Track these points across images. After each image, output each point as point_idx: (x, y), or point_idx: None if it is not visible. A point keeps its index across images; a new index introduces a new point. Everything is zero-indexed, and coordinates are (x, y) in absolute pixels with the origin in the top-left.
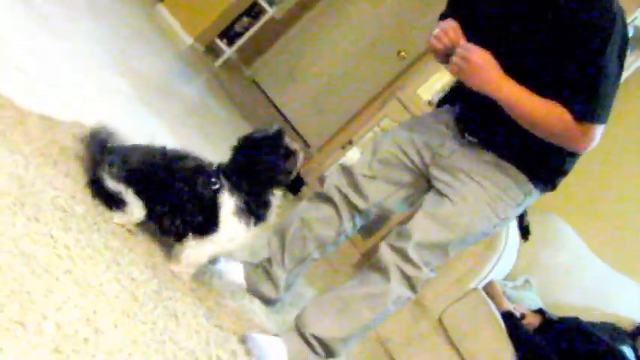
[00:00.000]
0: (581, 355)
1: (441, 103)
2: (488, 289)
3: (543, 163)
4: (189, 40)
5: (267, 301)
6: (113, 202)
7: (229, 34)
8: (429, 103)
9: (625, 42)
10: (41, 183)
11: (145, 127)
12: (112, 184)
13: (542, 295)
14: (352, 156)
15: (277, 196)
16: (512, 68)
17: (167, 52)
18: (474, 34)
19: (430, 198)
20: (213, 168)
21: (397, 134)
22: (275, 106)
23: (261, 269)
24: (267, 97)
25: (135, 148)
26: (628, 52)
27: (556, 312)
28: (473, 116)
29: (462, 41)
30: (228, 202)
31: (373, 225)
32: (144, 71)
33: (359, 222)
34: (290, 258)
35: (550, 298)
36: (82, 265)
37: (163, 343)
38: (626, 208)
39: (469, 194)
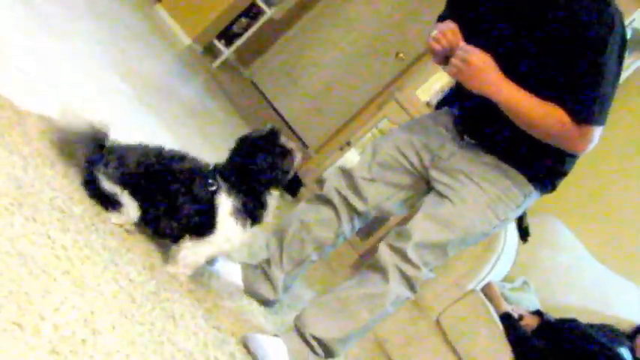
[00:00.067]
0: (579, 357)
1: (440, 105)
2: (487, 291)
3: (542, 165)
4: (187, 40)
5: (265, 302)
6: (109, 202)
7: (228, 35)
8: (428, 104)
9: (623, 44)
10: (39, 184)
11: (143, 127)
12: (108, 185)
13: (540, 297)
14: (350, 157)
15: (274, 197)
16: (511, 70)
17: (166, 53)
18: (472, 36)
19: (430, 199)
20: (210, 169)
21: (396, 136)
22: (273, 107)
23: (260, 270)
24: (266, 98)
25: (131, 149)
26: (626, 54)
27: (554, 313)
28: (472, 118)
29: (461, 43)
30: (225, 203)
31: (371, 226)
32: (143, 71)
33: (358, 224)
34: (288, 259)
35: (548, 299)
36: (79, 265)
37: (161, 345)
38: (625, 210)
39: (469, 195)
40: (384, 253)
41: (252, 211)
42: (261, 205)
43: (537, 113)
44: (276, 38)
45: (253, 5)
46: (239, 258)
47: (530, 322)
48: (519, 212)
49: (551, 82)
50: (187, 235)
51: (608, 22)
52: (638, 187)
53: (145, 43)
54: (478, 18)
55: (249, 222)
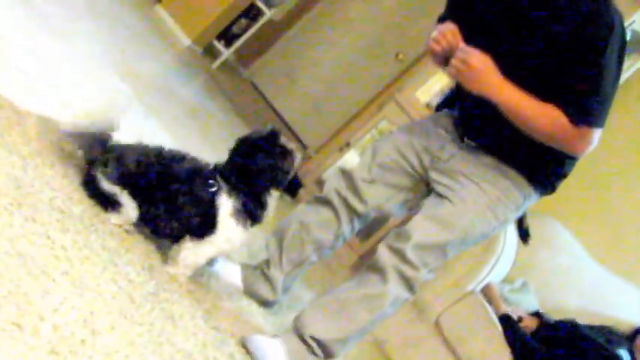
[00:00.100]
0: (578, 358)
1: (440, 107)
2: (486, 292)
3: (543, 166)
4: (187, 41)
5: (265, 303)
6: (108, 202)
7: (227, 36)
8: (427, 105)
9: (623, 46)
10: (39, 184)
11: (143, 128)
12: (107, 185)
13: (539, 298)
14: (350, 158)
15: (274, 197)
16: (511, 71)
17: (165, 53)
18: (472, 37)
19: (430, 201)
20: (210, 169)
21: (396, 138)
22: (273, 108)
23: (259, 271)
24: (265, 99)
25: (131, 148)
26: (626, 56)
27: (553, 315)
28: (472, 120)
29: (461, 44)
30: (226, 204)
31: (371, 227)
32: (143, 72)
33: (357, 225)
34: (288, 260)
35: (547, 301)
36: (79, 266)
37: (160, 345)
38: (624, 211)
39: (468, 196)
40: (383, 254)
41: (252, 212)
42: (261, 206)
43: (536, 115)
44: (276, 39)
45: (253, 6)
46: (238, 259)
47: (530, 324)
48: (519, 214)
49: (551, 83)
50: (188, 236)
51: (608, 23)
52: (638, 188)
53: (145, 44)
54: (478, 19)
55: (249, 222)
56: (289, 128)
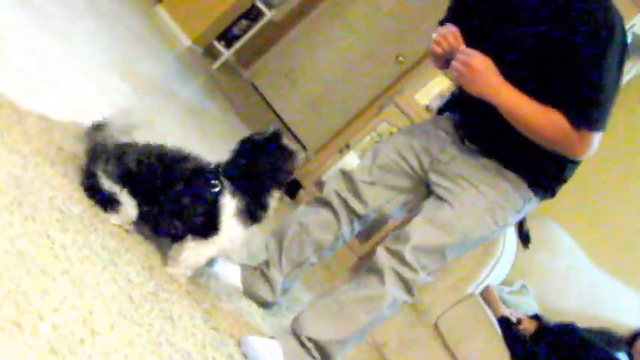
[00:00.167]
0: None
1: (441, 110)
2: (485, 295)
3: (543, 171)
4: (187, 41)
5: (264, 304)
6: (108, 201)
7: (227, 37)
8: (427, 108)
9: (624, 49)
10: (39, 183)
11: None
12: (107, 184)
13: (538, 301)
14: (349, 160)
15: (275, 198)
16: (511, 74)
17: (166, 54)
18: (474, 40)
19: (429, 203)
20: (212, 168)
21: (397, 140)
22: (272, 109)
23: (259, 272)
24: (265, 100)
25: (132, 147)
26: (626, 59)
27: (552, 318)
28: (473, 123)
29: (462, 46)
30: (229, 204)
31: (370, 229)
32: (143, 72)
33: (357, 227)
34: (287, 261)
35: (546, 303)
36: (79, 265)
37: (159, 345)
38: (624, 214)
39: (468, 199)
40: (382, 256)
41: (253, 212)
42: (263, 206)
43: (537, 118)
44: (276, 40)
45: (253, 7)
46: (238, 259)
47: (529, 326)
48: (519, 218)
49: (552, 87)
50: (189, 235)
51: (609, 26)
52: (638, 191)
53: (145, 44)
54: (479, 22)
55: (249, 222)
56: (289, 129)
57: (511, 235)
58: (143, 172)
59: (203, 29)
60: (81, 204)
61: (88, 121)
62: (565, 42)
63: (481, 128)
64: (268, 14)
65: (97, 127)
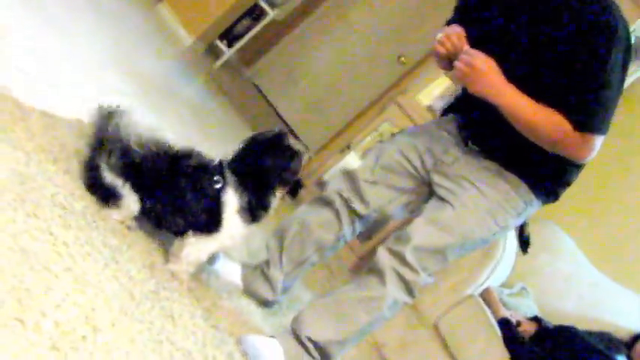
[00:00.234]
0: None
1: (445, 112)
2: (485, 296)
3: (546, 174)
4: (189, 40)
5: (264, 303)
6: (109, 195)
7: (230, 36)
8: (429, 108)
9: (627, 52)
10: (42, 180)
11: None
12: (110, 177)
13: (538, 303)
14: (350, 160)
15: (276, 197)
16: (514, 75)
17: (167, 52)
18: (478, 41)
19: (431, 204)
20: (215, 164)
21: (400, 140)
22: (274, 109)
23: (259, 271)
24: (266, 99)
25: (137, 141)
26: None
27: (552, 320)
28: (477, 125)
29: (466, 47)
30: (232, 201)
31: (371, 229)
32: (144, 71)
33: (358, 227)
34: (288, 260)
35: (546, 305)
36: (81, 262)
37: (160, 343)
38: (625, 217)
39: (470, 201)
40: (383, 257)
41: (254, 210)
42: (264, 205)
43: (539, 119)
44: (278, 40)
45: (256, 6)
46: (239, 258)
47: (528, 328)
48: (520, 220)
49: (555, 89)
50: (191, 231)
51: (613, 29)
52: (639, 194)
53: (147, 42)
54: (485, 24)
55: (250, 220)
56: (290, 129)
57: (511, 238)
58: (147, 166)
59: (205, 28)
60: (83, 201)
61: (94, 111)
62: (569, 44)
63: (483, 129)
64: (271, 13)
65: (107, 115)
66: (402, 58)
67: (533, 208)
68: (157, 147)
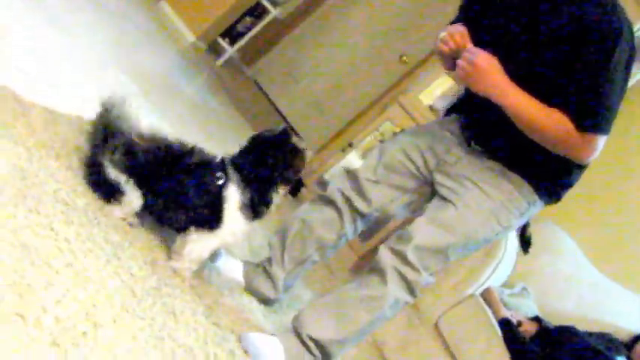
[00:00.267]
0: None
1: (448, 112)
2: (486, 296)
3: (549, 174)
4: (191, 38)
5: (265, 301)
6: (111, 191)
7: (232, 34)
8: (431, 108)
9: (631, 52)
10: (44, 175)
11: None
12: (113, 173)
13: (538, 303)
14: (352, 159)
15: (279, 195)
16: (518, 76)
17: (169, 50)
18: (482, 41)
19: (433, 204)
20: (217, 161)
21: (403, 140)
22: (275, 107)
23: (261, 268)
24: (268, 98)
25: (140, 137)
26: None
27: (552, 320)
28: (479, 125)
29: (469, 45)
30: (234, 197)
31: (372, 228)
32: (145, 68)
33: (360, 226)
34: (290, 258)
35: (547, 306)
36: (82, 258)
37: (162, 340)
38: (625, 217)
39: (472, 200)
40: (384, 256)
41: (256, 207)
42: (266, 202)
43: (541, 119)
44: (280, 38)
45: (258, 4)
46: (241, 255)
47: (529, 328)
48: (522, 221)
49: (558, 89)
50: (193, 227)
51: (616, 30)
52: (639, 194)
53: (148, 40)
54: (489, 22)
55: (252, 217)
56: (291, 127)
57: (512, 238)
58: (150, 162)
59: (207, 26)
60: (85, 197)
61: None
62: (572, 44)
63: (486, 129)
64: (273, 12)
65: (109, 107)
66: (404, 58)
67: (536, 209)
68: (159, 141)
